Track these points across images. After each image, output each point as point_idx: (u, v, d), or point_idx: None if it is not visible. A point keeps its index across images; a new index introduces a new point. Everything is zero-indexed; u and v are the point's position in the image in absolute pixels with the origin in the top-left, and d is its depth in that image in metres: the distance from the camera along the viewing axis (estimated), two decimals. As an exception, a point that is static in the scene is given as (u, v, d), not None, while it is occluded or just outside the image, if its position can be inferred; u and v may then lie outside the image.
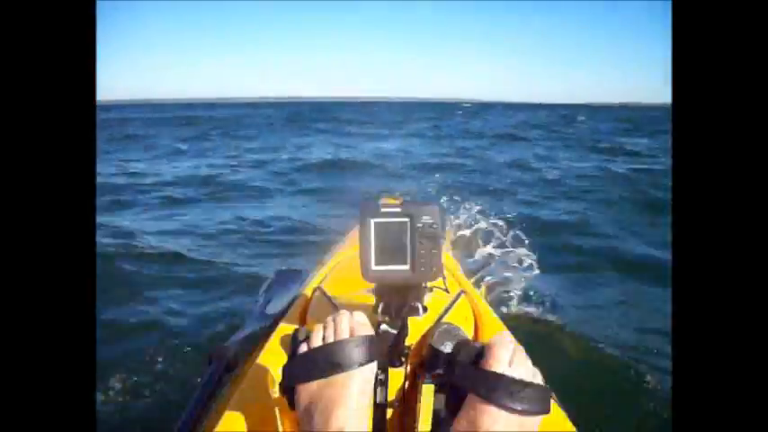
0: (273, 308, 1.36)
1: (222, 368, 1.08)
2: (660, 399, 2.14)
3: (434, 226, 0.87)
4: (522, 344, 0.72)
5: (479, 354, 0.71)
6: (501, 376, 0.66)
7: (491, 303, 1.36)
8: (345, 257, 1.58)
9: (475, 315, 1.18)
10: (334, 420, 0.68)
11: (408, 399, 0.94)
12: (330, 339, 0.74)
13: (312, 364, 0.72)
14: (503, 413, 0.65)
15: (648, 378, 2.28)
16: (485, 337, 1.09)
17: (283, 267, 2.09)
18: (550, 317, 2.88)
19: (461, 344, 0.79)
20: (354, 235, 1.94)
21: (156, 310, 3.04)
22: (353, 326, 0.76)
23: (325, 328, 0.77)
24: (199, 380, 1.06)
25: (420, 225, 0.87)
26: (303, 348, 0.75)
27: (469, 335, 1.07)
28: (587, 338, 2.64)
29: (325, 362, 0.71)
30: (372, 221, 0.87)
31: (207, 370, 1.14)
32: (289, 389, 0.74)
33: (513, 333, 1.16)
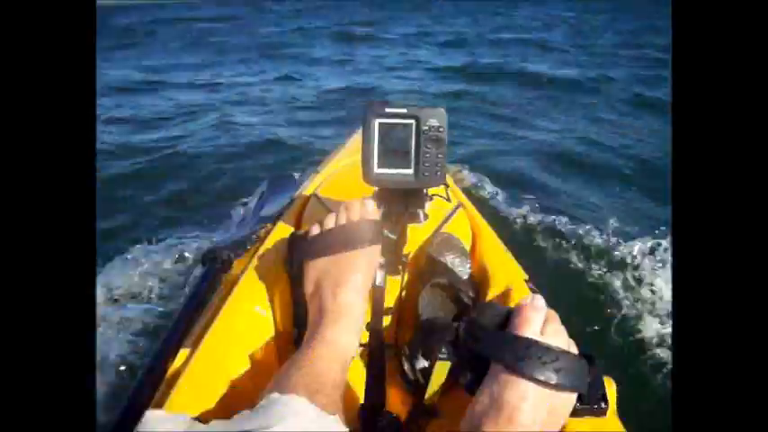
0: (267, 212, 1.33)
1: (215, 269, 1.07)
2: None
3: (441, 130, 0.84)
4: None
5: (506, 317, 0.61)
6: (532, 342, 0.56)
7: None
8: (342, 164, 1.53)
9: (472, 228, 1.16)
10: (342, 295, 0.75)
11: (405, 307, 0.94)
12: (343, 222, 0.81)
13: (325, 243, 0.79)
14: (531, 386, 0.55)
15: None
16: (481, 251, 1.07)
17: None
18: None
19: (484, 306, 0.69)
20: (351, 143, 1.88)
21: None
22: (363, 212, 0.82)
23: (338, 214, 0.83)
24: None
25: (426, 128, 0.83)
26: (315, 230, 0.82)
27: (467, 246, 1.05)
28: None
29: (337, 240, 0.78)
30: (377, 122, 0.83)
31: (200, 271, 1.13)
32: (297, 264, 0.82)
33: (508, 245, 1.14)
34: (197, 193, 3.61)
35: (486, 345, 0.59)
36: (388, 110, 0.84)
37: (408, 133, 0.84)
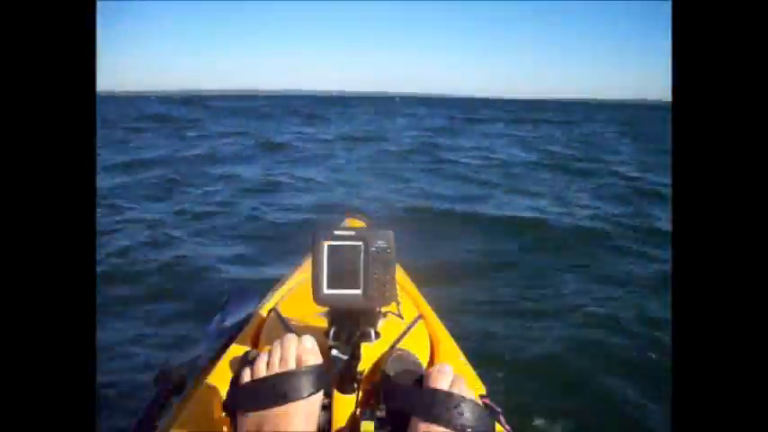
0: (226, 328, 1.32)
1: (167, 391, 1.04)
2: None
3: (388, 251, 0.88)
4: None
5: (419, 380, 0.72)
6: (438, 391, 0.66)
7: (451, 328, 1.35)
8: (302, 279, 1.56)
9: (432, 341, 1.17)
10: None
11: (359, 427, 0.93)
12: (276, 366, 0.74)
13: (256, 394, 0.72)
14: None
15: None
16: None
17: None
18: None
19: (403, 372, 0.81)
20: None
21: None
22: (301, 353, 0.76)
23: (270, 353, 0.75)
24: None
25: (374, 249, 0.87)
26: (247, 374, 0.74)
27: (425, 361, 1.06)
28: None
29: (270, 393, 0.71)
30: (325, 244, 0.87)
31: (151, 392, 1.09)
32: (231, 414, 0.74)
33: (469, 357, 1.16)
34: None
35: (404, 401, 0.69)
36: (336, 232, 0.87)
37: (357, 254, 0.87)
